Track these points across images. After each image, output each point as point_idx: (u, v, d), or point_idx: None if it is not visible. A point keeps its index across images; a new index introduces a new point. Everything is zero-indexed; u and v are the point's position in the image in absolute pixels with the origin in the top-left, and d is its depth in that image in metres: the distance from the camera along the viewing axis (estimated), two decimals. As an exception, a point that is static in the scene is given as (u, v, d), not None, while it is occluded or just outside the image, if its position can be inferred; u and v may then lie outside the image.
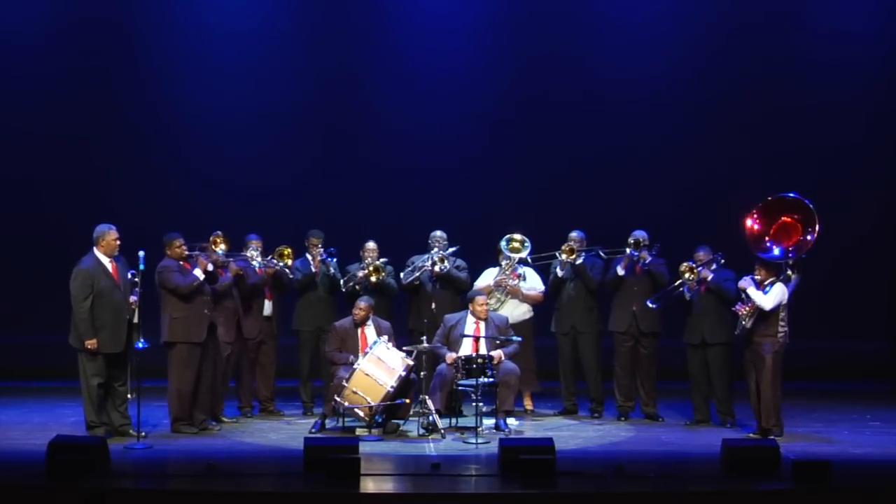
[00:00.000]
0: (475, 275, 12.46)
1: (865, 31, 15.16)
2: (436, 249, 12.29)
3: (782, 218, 11.37)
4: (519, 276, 12.29)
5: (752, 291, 11.06)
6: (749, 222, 11.37)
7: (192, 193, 14.59)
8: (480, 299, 11.62)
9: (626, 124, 15.00)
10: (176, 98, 14.92)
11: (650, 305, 11.71)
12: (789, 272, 11.26)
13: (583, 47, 15.08)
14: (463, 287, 12.27)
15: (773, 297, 11.01)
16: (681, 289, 11.61)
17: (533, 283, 12.38)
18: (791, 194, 11.51)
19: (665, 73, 15.02)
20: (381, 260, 12.23)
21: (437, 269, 12.19)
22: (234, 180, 14.74)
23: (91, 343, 10.61)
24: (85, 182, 14.69)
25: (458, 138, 15.00)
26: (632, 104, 15.01)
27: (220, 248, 11.24)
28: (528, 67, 15.05)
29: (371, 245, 12.27)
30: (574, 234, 12.25)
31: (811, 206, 11.35)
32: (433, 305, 12.12)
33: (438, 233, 12.45)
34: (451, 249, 12.33)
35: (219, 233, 11.30)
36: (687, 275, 11.53)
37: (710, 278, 11.54)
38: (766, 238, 11.34)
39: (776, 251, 11.30)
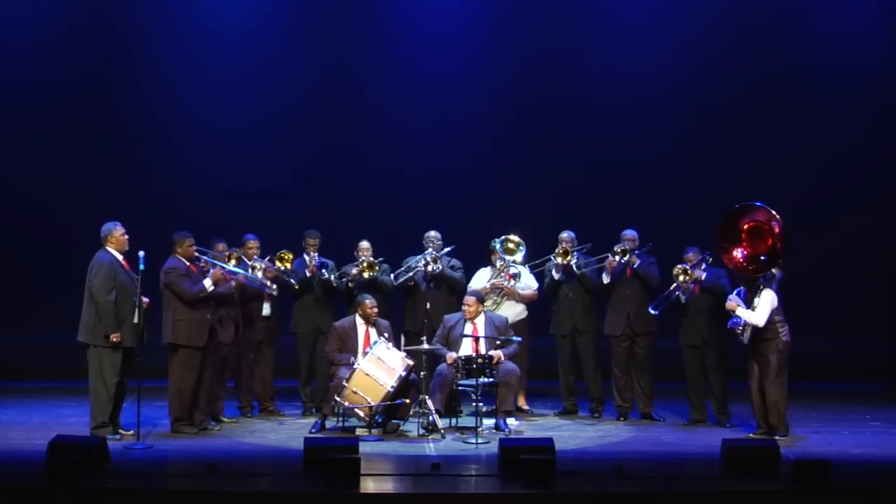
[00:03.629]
0: (469, 275, 12.44)
1: (865, 31, 15.16)
2: (430, 249, 12.28)
3: (744, 226, 11.24)
4: (513, 276, 12.29)
5: (742, 312, 10.96)
6: (733, 255, 11.18)
7: (191, 193, 14.59)
8: (468, 299, 11.63)
9: (626, 126, 14.99)
10: (175, 98, 14.93)
11: (652, 312, 11.67)
12: (772, 270, 11.17)
13: (584, 49, 15.08)
14: (457, 287, 12.25)
15: (763, 310, 10.89)
16: (676, 292, 11.57)
17: (527, 281, 12.36)
18: (736, 206, 11.35)
19: (666, 75, 15.02)
20: (379, 259, 12.23)
21: (429, 269, 12.17)
22: (234, 180, 14.74)
23: (116, 336, 10.56)
24: (85, 182, 14.69)
25: (456, 139, 14.99)
26: (632, 106, 14.99)
27: (232, 263, 11.24)
28: (528, 69, 15.04)
29: (365, 244, 12.25)
30: (565, 235, 12.21)
31: (757, 204, 11.21)
32: (428, 305, 12.10)
33: (433, 233, 12.43)
34: (445, 250, 12.32)
35: (236, 250, 11.39)
36: (681, 277, 11.48)
37: (703, 277, 11.49)
38: (750, 252, 11.19)
39: (763, 258, 11.17)
